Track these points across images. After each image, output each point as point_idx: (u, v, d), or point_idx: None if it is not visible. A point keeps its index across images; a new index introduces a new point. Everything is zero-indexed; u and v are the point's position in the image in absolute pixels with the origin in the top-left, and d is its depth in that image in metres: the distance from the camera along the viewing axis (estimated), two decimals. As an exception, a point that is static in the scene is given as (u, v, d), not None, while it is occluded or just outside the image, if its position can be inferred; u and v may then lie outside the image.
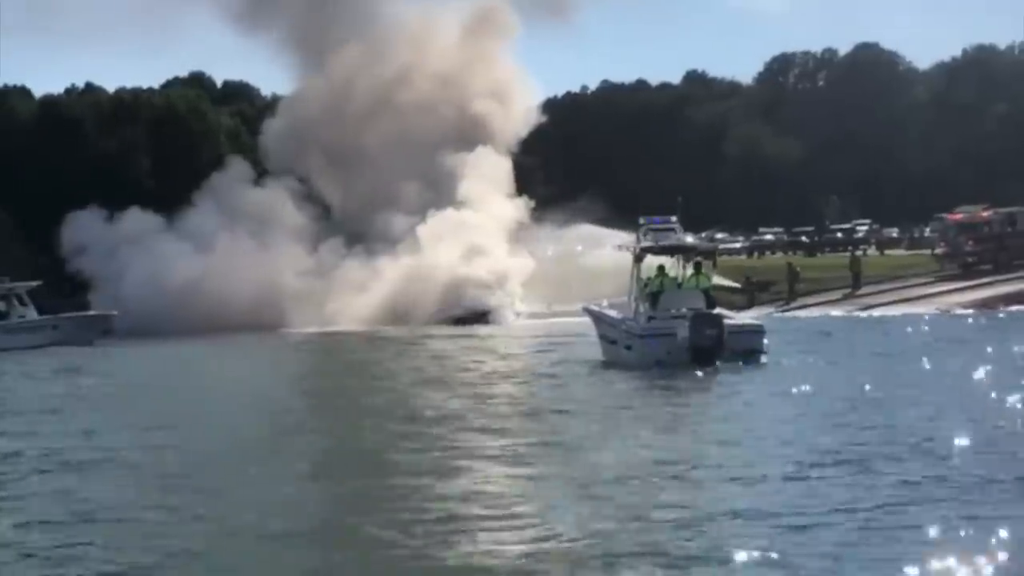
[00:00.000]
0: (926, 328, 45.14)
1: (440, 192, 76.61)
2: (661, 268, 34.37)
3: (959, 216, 70.44)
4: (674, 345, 32.11)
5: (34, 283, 63.34)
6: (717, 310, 33.54)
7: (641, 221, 36.07)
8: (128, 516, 16.35)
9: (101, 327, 64.93)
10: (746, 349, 32.26)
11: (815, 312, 62.00)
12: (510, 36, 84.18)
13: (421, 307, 71.05)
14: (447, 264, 73.16)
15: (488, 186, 78.06)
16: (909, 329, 44.60)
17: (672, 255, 35.20)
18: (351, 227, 77.87)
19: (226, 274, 72.08)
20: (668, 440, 20.82)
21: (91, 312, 66.78)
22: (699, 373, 30.38)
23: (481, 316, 69.86)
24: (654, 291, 33.65)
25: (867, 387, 26.33)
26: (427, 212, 75.94)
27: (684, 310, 32.94)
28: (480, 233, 75.53)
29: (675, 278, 34.31)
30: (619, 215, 79.24)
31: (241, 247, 74.52)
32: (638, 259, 35.26)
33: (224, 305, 70.31)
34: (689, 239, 36.94)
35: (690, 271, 34.78)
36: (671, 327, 32.46)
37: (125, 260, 74.26)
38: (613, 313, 35.77)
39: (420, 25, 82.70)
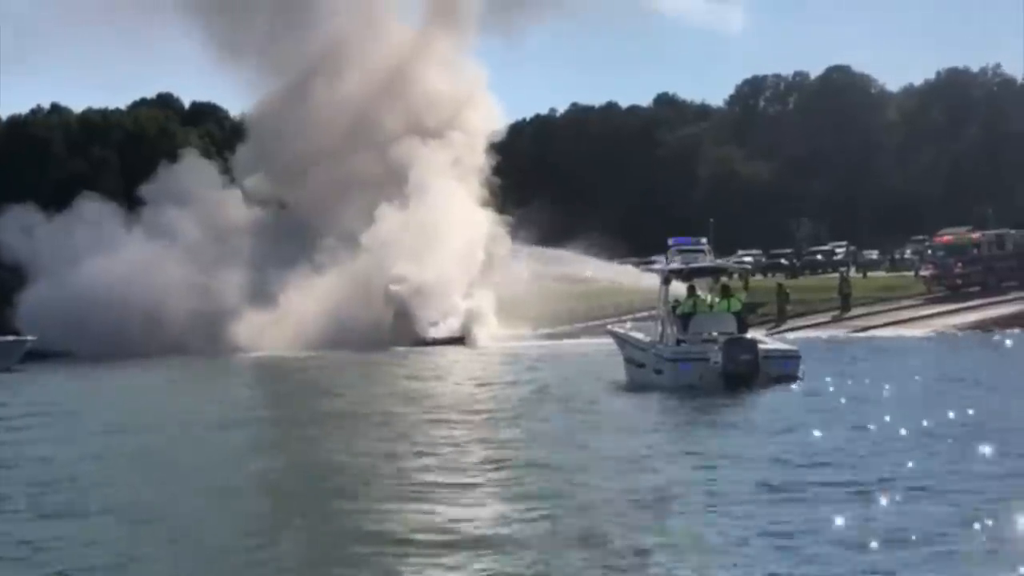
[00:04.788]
0: (943, 350, 44.41)
1: (398, 187, 73.54)
2: (692, 289, 33.38)
3: (948, 238, 70.13)
4: (707, 370, 31.07)
5: None
6: (750, 334, 32.59)
7: (669, 242, 35.15)
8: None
9: (19, 352, 62.85)
10: (782, 375, 31.21)
11: (808, 334, 61.20)
12: (468, 31, 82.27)
13: (377, 326, 67.81)
14: (406, 277, 69.80)
15: (455, 181, 75.00)
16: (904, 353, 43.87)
17: (702, 277, 34.24)
18: (308, 228, 75.12)
19: (161, 290, 70.61)
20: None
21: (9, 337, 64.47)
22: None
23: (457, 339, 67.76)
24: (686, 312, 32.63)
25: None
26: (381, 209, 72.37)
27: (715, 334, 31.90)
28: (443, 238, 71.57)
29: (706, 300, 33.28)
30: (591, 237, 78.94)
31: (178, 256, 72.94)
32: (666, 281, 34.31)
33: (156, 320, 68.97)
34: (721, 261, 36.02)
35: (718, 295, 33.81)
36: (703, 351, 31.44)
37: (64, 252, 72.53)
38: (640, 336, 34.74)
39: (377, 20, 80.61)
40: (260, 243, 75.88)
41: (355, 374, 46.20)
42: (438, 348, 63.97)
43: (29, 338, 64.15)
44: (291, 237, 74.81)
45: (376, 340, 65.35)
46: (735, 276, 37.19)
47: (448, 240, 72.05)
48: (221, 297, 71.08)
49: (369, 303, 69.63)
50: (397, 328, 68.50)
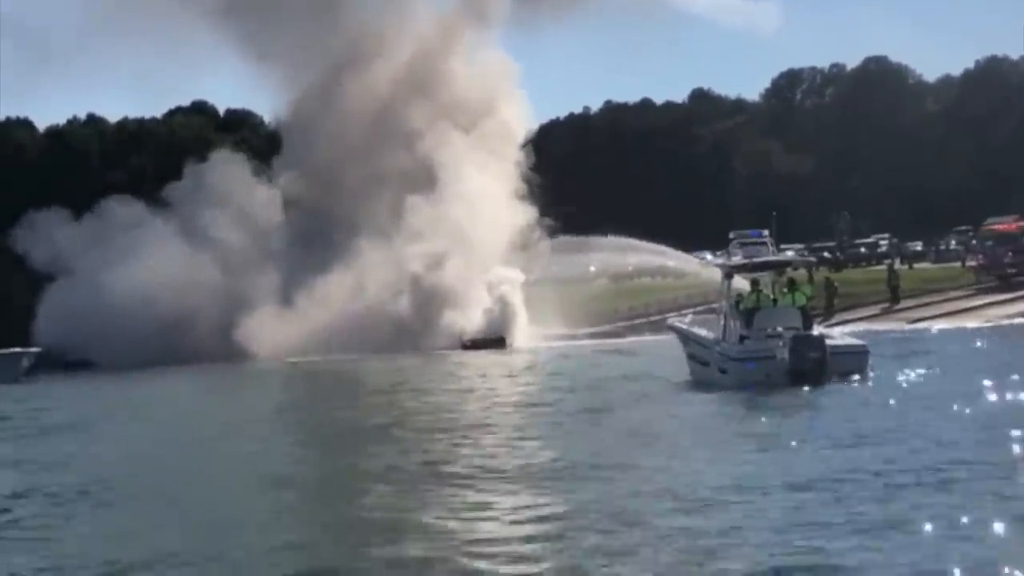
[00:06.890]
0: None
1: (429, 181, 73.18)
2: (756, 283, 32.61)
3: (997, 228, 69.23)
4: (773, 367, 30.37)
5: None
6: (816, 330, 31.86)
7: (731, 235, 34.40)
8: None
9: (23, 363, 61.03)
10: (850, 371, 30.49)
11: (858, 327, 60.28)
12: (498, 21, 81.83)
13: (405, 326, 67.52)
14: (439, 278, 69.41)
15: (487, 174, 73.95)
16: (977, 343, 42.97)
17: (765, 271, 33.45)
18: (342, 227, 74.40)
19: (190, 296, 69.74)
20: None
21: (14, 349, 62.37)
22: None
23: (497, 341, 67.01)
24: (749, 308, 31.87)
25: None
26: (410, 201, 72.09)
27: (780, 329, 31.12)
28: (471, 230, 70.79)
29: (770, 295, 32.52)
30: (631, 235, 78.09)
31: (207, 260, 72.17)
32: (728, 275, 33.58)
33: (180, 327, 67.97)
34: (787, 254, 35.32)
35: (782, 288, 33.04)
36: (769, 349, 30.66)
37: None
38: (704, 332, 34.00)
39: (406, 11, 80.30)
40: (292, 244, 75.13)
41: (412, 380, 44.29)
42: (473, 351, 63.12)
43: (32, 349, 62.53)
44: (324, 237, 74.08)
45: (407, 341, 64.71)
46: (798, 269, 36.18)
47: (477, 232, 71.22)
48: (251, 302, 69.93)
49: (395, 301, 69.16)
50: (420, 329, 67.69)
